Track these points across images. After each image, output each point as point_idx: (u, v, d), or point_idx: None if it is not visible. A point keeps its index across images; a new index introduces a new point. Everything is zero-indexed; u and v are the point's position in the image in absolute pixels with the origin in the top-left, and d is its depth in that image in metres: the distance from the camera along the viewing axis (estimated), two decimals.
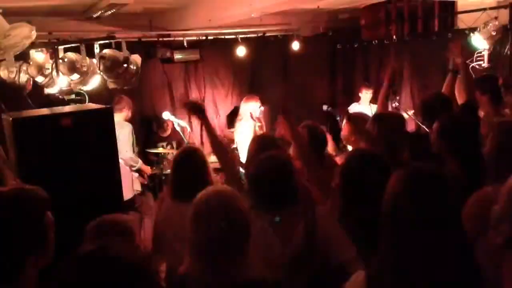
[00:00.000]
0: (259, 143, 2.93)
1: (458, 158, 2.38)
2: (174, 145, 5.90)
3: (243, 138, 5.00)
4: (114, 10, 4.57)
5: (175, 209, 2.68)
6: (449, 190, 1.40)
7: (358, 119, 3.31)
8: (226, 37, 6.44)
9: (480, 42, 5.07)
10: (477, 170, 2.21)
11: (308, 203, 2.15)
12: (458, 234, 1.37)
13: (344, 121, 3.48)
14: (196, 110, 2.89)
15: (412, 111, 4.95)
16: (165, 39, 6.11)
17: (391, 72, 3.58)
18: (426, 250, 1.34)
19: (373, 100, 6.30)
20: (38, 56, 4.16)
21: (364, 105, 6.26)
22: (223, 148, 2.78)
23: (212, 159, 6.12)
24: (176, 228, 2.64)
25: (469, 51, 5.31)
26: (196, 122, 6.94)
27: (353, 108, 6.38)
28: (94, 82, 4.20)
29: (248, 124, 5.07)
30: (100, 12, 4.69)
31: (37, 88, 4.38)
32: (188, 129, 6.03)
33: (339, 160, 3.09)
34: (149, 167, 5.50)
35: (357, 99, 6.57)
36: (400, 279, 1.35)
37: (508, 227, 1.24)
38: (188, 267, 1.68)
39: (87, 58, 4.07)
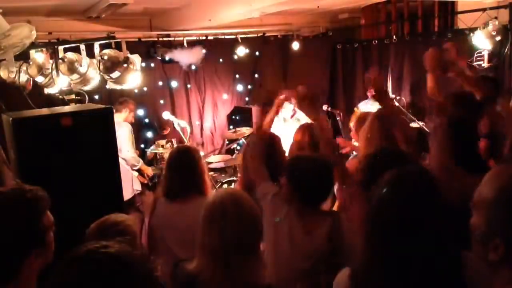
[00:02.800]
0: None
1: (453, 159, 2.37)
2: (175, 144, 5.90)
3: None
4: (114, 10, 4.57)
5: (169, 209, 2.68)
6: (430, 192, 1.40)
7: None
8: (226, 37, 6.44)
9: (480, 42, 5.07)
10: (473, 171, 2.19)
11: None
12: (440, 234, 1.37)
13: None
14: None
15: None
16: (165, 39, 6.11)
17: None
18: (406, 251, 1.35)
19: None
20: (38, 56, 4.15)
21: (374, 103, 6.25)
22: None
23: (211, 159, 6.18)
24: (170, 227, 2.65)
25: (469, 51, 5.33)
26: (196, 122, 6.96)
27: (363, 105, 6.38)
28: (94, 82, 4.19)
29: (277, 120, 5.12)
30: (100, 12, 4.70)
31: (37, 88, 4.37)
32: (188, 129, 6.03)
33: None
34: (149, 167, 5.50)
35: (357, 98, 6.57)
36: (381, 277, 1.38)
37: (500, 242, 1.19)
38: (198, 267, 1.68)
39: (87, 58, 4.07)
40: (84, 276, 1.03)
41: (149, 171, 5.46)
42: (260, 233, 1.72)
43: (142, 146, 6.39)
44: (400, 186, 1.42)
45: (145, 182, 5.51)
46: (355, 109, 6.40)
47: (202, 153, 5.51)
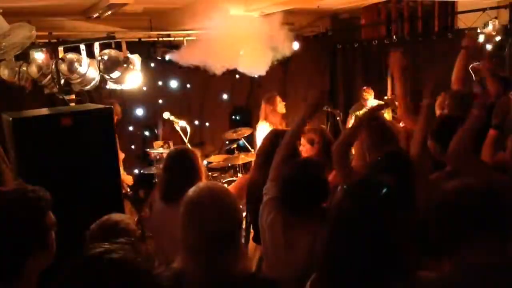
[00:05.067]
0: (273, 139, 2.92)
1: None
2: (171, 145, 5.88)
3: None
4: (114, 10, 4.57)
5: (166, 211, 2.65)
6: (380, 205, 1.41)
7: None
8: None
9: (480, 42, 5.07)
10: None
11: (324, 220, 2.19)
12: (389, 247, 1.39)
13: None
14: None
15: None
16: (165, 39, 6.11)
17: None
18: (351, 260, 1.39)
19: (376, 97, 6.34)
20: (38, 56, 4.15)
21: (369, 104, 6.27)
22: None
23: (211, 159, 6.17)
24: (166, 230, 2.62)
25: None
26: (196, 122, 6.96)
27: (354, 110, 6.38)
28: (94, 82, 4.20)
29: (268, 125, 4.99)
30: (100, 12, 4.70)
31: (37, 88, 4.38)
32: (188, 129, 6.03)
33: None
34: (130, 177, 5.32)
35: (357, 98, 6.58)
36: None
37: None
38: (181, 264, 1.67)
39: (87, 58, 4.07)
40: (89, 284, 1.02)
41: (129, 180, 5.29)
42: (239, 225, 1.70)
43: (142, 146, 6.40)
44: (357, 198, 1.45)
45: (124, 191, 5.31)
46: (349, 111, 6.41)
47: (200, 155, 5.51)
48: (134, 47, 5.15)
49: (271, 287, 1.69)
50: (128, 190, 5.31)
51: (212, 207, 1.63)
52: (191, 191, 1.73)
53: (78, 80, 4.02)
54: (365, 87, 6.38)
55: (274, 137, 2.97)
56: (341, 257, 1.42)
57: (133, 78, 4.28)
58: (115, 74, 4.15)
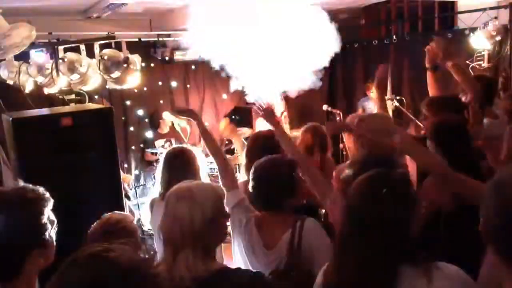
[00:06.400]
0: (260, 141, 2.93)
1: (446, 159, 2.38)
2: (174, 144, 5.89)
3: None
4: (114, 10, 4.58)
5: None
6: (403, 196, 1.42)
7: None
8: None
9: (480, 42, 5.07)
10: (466, 171, 2.18)
11: (300, 213, 2.17)
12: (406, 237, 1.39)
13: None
14: (188, 114, 2.94)
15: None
16: (165, 39, 6.11)
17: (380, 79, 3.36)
18: (370, 249, 1.37)
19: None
20: (38, 56, 4.16)
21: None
22: (218, 150, 2.73)
23: (211, 159, 6.16)
24: None
25: (468, 51, 5.33)
26: (195, 123, 6.97)
27: (363, 102, 6.38)
28: (94, 82, 4.20)
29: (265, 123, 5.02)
30: (100, 12, 4.70)
31: (37, 88, 4.38)
32: (188, 129, 6.03)
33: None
34: (128, 175, 5.27)
35: (357, 98, 6.58)
36: (342, 279, 1.43)
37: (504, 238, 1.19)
38: (160, 260, 1.68)
39: (87, 58, 4.08)
40: (84, 281, 1.02)
41: (128, 179, 5.25)
42: (216, 226, 1.67)
43: (142, 146, 6.40)
44: (373, 187, 1.44)
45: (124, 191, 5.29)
46: (359, 107, 6.41)
47: (200, 149, 5.51)
48: (134, 47, 5.15)
49: (253, 277, 1.66)
50: (129, 190, 5.33)
51: (187, 205, 1.62)
52: (172, 188, 1.73)
53: (78, 80, 4.03)
54: (368, 84, 6.37)
55: (256, 139, 3.03)
56: (353, 246, 1.41)
57: (133, 78, 4.29)
58: (115, 74, 4.15)
